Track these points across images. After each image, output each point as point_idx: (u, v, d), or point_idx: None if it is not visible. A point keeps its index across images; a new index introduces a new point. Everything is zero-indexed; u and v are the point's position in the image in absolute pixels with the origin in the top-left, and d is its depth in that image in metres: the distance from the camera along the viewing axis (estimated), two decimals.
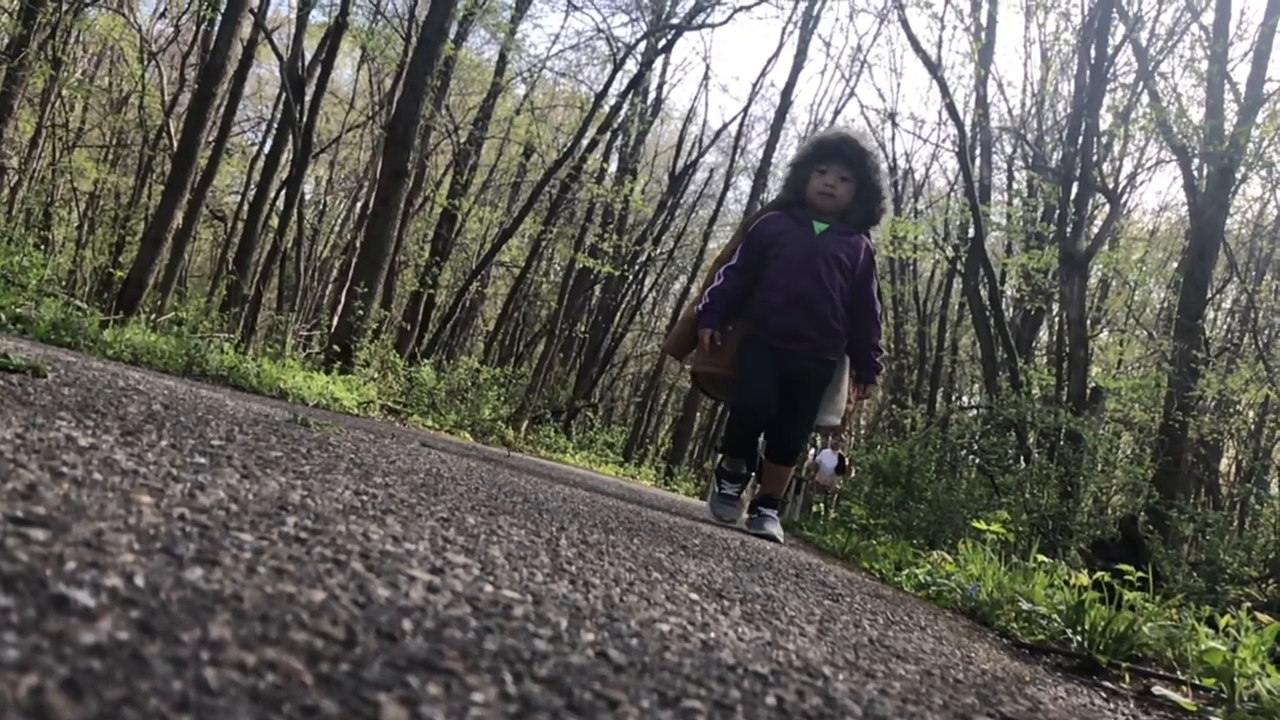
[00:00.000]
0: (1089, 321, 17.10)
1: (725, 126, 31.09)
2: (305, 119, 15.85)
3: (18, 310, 6.34)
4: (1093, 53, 14.00)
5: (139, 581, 0.70)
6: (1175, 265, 21.38)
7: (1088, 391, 13.48)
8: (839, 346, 4.27)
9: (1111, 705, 1.68)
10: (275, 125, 20.34)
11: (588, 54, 29.92)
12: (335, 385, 9.15)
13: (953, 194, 26.35)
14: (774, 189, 23.54)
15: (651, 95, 28.22)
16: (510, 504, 2.06)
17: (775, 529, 4.03)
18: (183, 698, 0.53)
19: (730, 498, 4.15)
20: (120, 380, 2.75)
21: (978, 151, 18.59)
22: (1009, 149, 22.79)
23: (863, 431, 28.68)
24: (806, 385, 4.17)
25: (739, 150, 30.67)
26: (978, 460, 11.09)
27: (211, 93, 11.84)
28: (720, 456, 4.48)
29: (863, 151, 4.25)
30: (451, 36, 15.64)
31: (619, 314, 30.88)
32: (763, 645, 1.15)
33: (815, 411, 4.26)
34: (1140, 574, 2.78)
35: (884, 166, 4.56)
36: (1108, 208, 16.15)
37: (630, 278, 30.21)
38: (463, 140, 22.48)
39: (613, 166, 27.40)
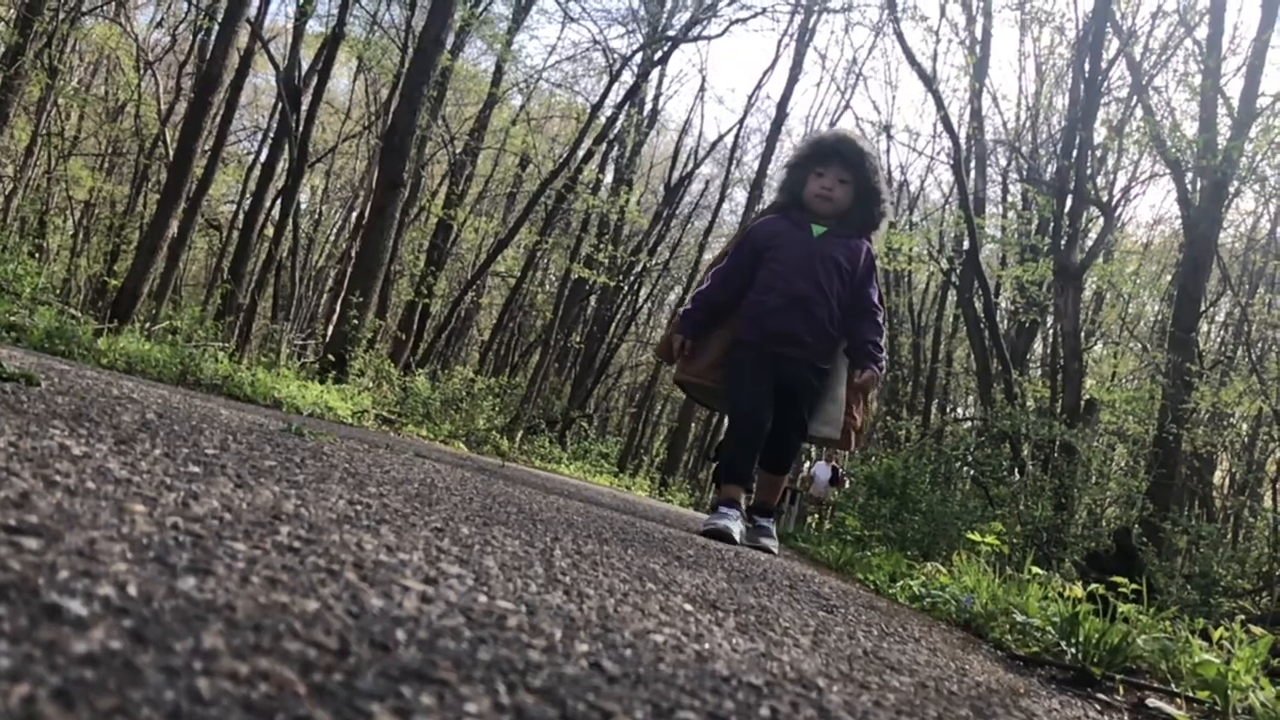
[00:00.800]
0: (1083, 334, 17.14)
1: (721, 138, 31.04)
2: (301, 128, 15.87)
3: (12, 318, 6.33)
4: (1087, 67, 14.05)
5: (132, 591, 0.70)
6: (1169, 278, 21.43)
7: (1082, 404, 13.49)
8: (833, 353, 4.13)
9: (1106, 718, 1.68)
10: (271, 135, 20.33)
11: (584, 65, 30.06)
12: (330, 395, 9.13)
13: (948, 206, 26.45)
14: (769, 200, 23.56)
15: (647, 107, 28.31)
16: (504, 514, 2.05)
17: (771, 542, 3.99)
18: (175, 707, 0.53)
19: (727, 516, 3.90)
20: (114, 389, 2.75)
21: (972, 164, 18.66)
22: (1004, 162, 22.92)
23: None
24: (799, 393, 4.03)
25: (734, 162, 30.77)
26: (972, 472, 11.09)
27: (208, 102, 11.86)
28: (715, 466, 4.31)
29: (861, 153, 4.09)
30: (448, 47, 15.67)
31: (614, 324, 30.89)
32: (757, 657, 1.15)
33: (808, 420, 4.11)
34: (1134, 586, 2.79)
35: (883, 168, 4.31)
36: (1102, 221, 16.21)
37: (625, 288, 30.25)
38: (459, 150, 22.51)
39: (608, 177, 27.45)
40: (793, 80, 26.19)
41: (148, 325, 9.75)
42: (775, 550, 3.94)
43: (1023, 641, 2.37)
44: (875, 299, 4.13)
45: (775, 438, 4.08)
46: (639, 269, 29.94)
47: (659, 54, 23.35)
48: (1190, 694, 1.95)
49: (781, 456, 4.19)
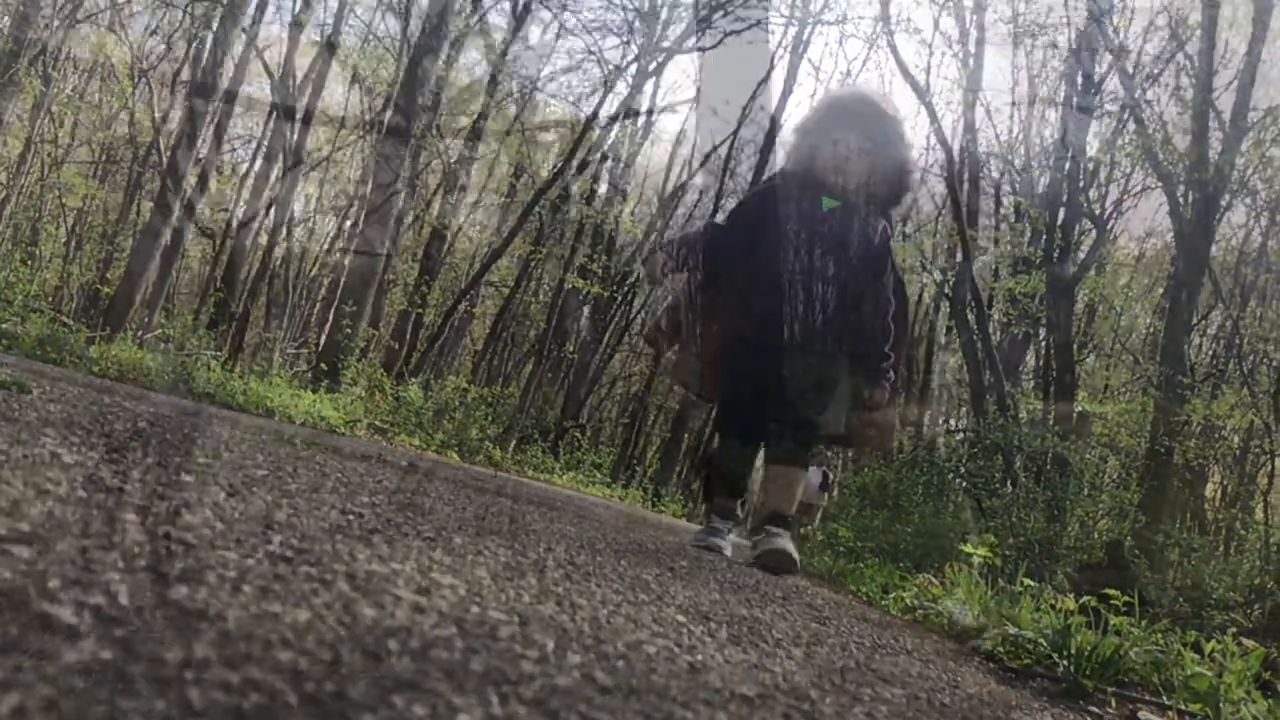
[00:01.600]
0: (1076, 346, 17.18)
1: (715, 149, 31.07)
2: (295, 137, 15.86)
3: (4, 326, 6.31)
4: (1080, 80, 14.14)
5: (123, 600, 0.70)
6: (1161, 291, 21.52)
7: (1074, 416, 13.52)
8: (829, 341, 3.46)
9: None
10: (265, 143, 20.34)
11: (579, 76, 30.13)
12: (322, 404, 9.12)
13: (940, 218, 26.51)
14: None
15: (642, 118, 28.36)
16: (497, 524, 2.05)
17: (786, 553, 3.29)
18: (166, 718, 0.52)
19: (718, 530, 3.51)
20: (106, 397, 2.74)
21: (965, 177, 18.74)
22: (996, 174, 22.96)
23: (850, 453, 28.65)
24: (792, 383, 3.44)
25: (728, 173, 30.78)
26: (965, 484, 11.10)
27: (202, 110, 11.84)
28: (705, 476, 3.98)
29: (884, 117, 3.53)
30: (443, 58, 15.69)
31: (607, 334, 30.87)
32: (749, 668, 1.15)
33: (813, 409, 3.47)
34: (1126, 598, 2.79)
35: (909, 135, 3.73)
36: (1094, 233, 16.27)
37: (619, 298, 30.23)
38: (453, 160, 22.52)
39: (603, 188, 27.47)
40: (787, 91, 26.28)
41: (140, 333, 9.73)
42: (796, 567, 3.33)
43: (1015, 653, 2.37)
44: (890, 290, 3.51)
45: (780, 431, 3.54)
46: (633, 279, 29.94)
47: (653, 65, 23.42)
48: (1182, 706, 1.95)
49: (785, 444, 3.51)
